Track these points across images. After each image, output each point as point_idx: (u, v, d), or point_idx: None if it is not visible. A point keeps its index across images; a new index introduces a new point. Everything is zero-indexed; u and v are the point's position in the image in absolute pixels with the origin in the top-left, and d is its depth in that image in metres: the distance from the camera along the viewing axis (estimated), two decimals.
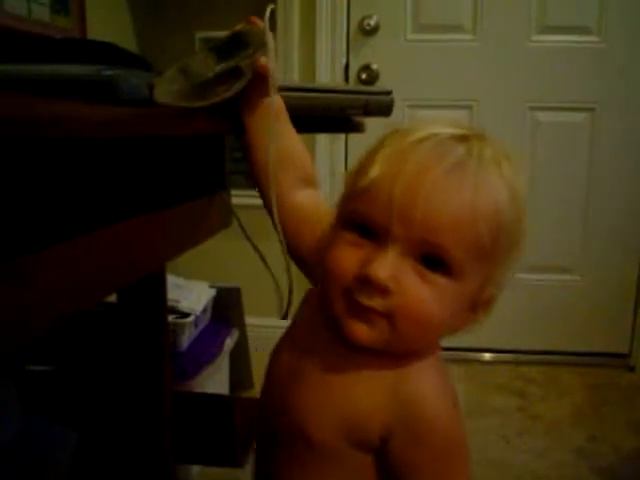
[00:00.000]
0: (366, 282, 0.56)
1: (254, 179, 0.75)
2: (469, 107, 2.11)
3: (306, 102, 0.77)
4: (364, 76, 2.09)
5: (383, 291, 0.56)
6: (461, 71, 2.11)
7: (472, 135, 0.60)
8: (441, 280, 0.56)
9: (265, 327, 2.20)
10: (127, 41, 2.10)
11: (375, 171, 0.57)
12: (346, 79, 2.09)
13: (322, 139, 2.13)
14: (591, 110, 2.12)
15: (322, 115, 0.79)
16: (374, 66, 2.10)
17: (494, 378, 2.12)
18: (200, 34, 2.21)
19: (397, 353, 0.60)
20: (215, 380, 1.58)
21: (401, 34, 2.11)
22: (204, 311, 1.59)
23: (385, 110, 0.79)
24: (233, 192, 2.33)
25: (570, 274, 2.23)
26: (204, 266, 2.03)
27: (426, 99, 2.10)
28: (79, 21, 1.69)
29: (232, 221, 0.84)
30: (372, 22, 2.07)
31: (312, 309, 0.67)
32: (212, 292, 1.65)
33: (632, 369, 2.25)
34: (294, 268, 0.74)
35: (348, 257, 0.58)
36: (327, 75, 2.07)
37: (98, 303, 1.16)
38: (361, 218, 0.58)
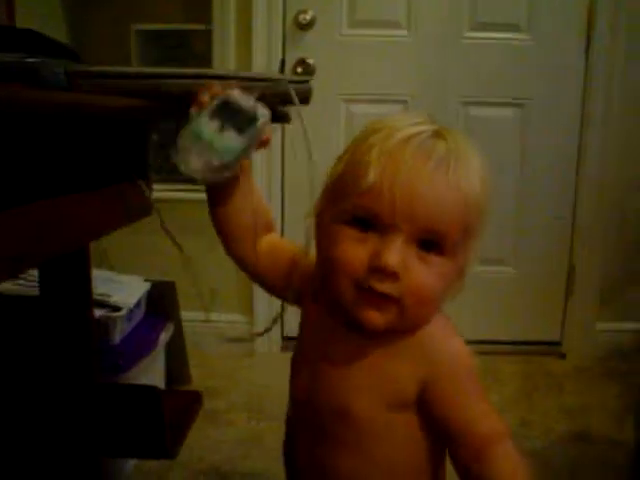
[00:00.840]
0: (379, 271, 0.64)
1: (231, 243, 0.82)
2: (404, 102, 2.15)
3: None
4: (300, 70, 2.09)
5: (394, 276, 0.64)
6: (396, 66, 2.14)
7: (443, 130, 0.71)
8: (437, 259, 0.67)
9: (201, 322, 2.20)
10: (58, 31, 2.06)
11: (374, 172, 0.65)
12: (281, 71, 2.10)
13: None
14: (521, 106, 2.18)
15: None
16: (310, 60, 2.11)
17: None
18: (136, 26, 2.19)
19: (405, 330, 0.70)
20: (150, 374, 1.57)
21: (337, 29, 2.12)
22: (138, 305, 1.57)
23: (304, 99, 0.80)
24: (164, 187, 2.32)
25: (504, 266, 2.29)
26: (140, 262, 2.02)
27: (362, 94, 2.13)
28: (6, 9, 1.65)
29: (152, 211, 0.83)
30: (308, 17, 2.08)
31: (317, 314, 0.75)
32: (146, 286, 1.63)
33: (563, 356, 2.33)
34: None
35: (356, 250, 0.66)
36: (263, 69, 2.07)
37: (21, 297, 1.14)
38: (365, 214, 0.66)
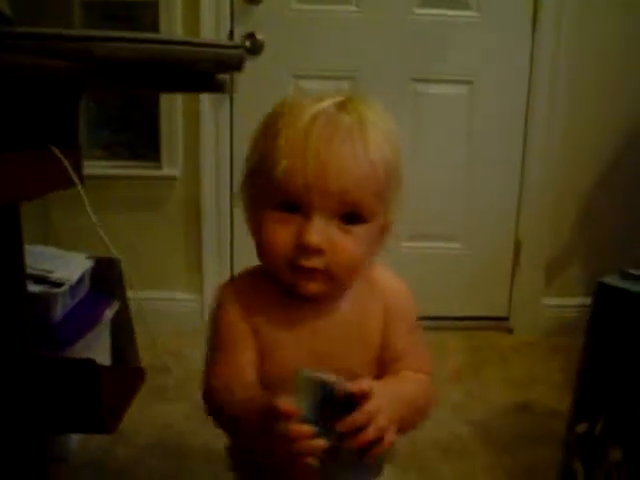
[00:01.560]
0: (303, 249, 0.69)
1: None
2: (353, 78, 2.14)
3: (155, 54, 0.76)
4: (248, 45, 2.07)
5: (319, 252, 0.69)
6: (345, 42, 2.13)
7: (348, 100, 0.73)
8: (358, 228, 0.72)
9: (148, 300, 2.18)
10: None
11: (284, 159, 0.68)
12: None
13: (206, 107, 2.11)
14: (470, 83, 2.20)
15: (173, 68, 0.78)
16: (259, 35, 2.08)
17: None
18: None
19: (341, 293, 0.77)
20: (94, 351, 1.54)
21: (285, 3, 2.10)
22: (80, 281, 1.55)
23: (236, 65, 0.79)
24: (114, 162, 2.28)
25: (453, 242, 2.32)
26: (87, 240, 1.98)
27: (311, 69, 2.11)
28: None
29: (79, 182, 0.82)
30: None
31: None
32: (89, 263, 1.61)
33: (511, 331, 2.38)
34: None
35: (282, 233, 0.70)
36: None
37: None
38: (285, 198, 0.70)
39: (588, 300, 1.23)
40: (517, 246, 2.32)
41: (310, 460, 0.62)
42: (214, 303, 0.80)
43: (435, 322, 2.31)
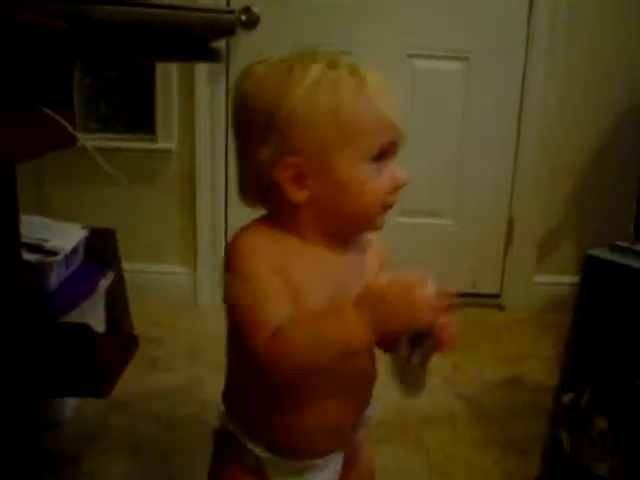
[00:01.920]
0: (398, 188, 0.77)
1: None
2: (349, 52, 2.11)
3: (151, 18, 0.76)
4: (244, 18, 2.06)
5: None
6: (341, 17, 2.13)
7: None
8: None
9: (144, 273, 2.19)
10: None
11: (377, 108, 0.73)
12: None
13: (201, 80, 2.11)
14: (466, 59, 2.20)
15: (169, 32, 0.78)
16: (255, 9, 2.08)
17: None
18: None
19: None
20: (89, 320, 1.54)
21: None
22: (75, 251, 1.56)
23: (229, 29, 0.79)
24: (110, 135, 2.28)
25: (444, 218, 2.33)
26: (80, 210, 1.99)
27: (307, 44, 2.10)
28: None
29: (75, 142, 0.82)
30: None
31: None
32: (84, 233, 1.62)
33: (502, 308, 2.40)
34: None
35: (382, 182, 0.76)
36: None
37: None
38: (382, 147, 0.75)
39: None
40: (510, 223, 2.33)
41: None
42: (235, 251, 0.77)
43: None
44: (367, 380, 0.88)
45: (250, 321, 0.73)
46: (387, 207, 0.78)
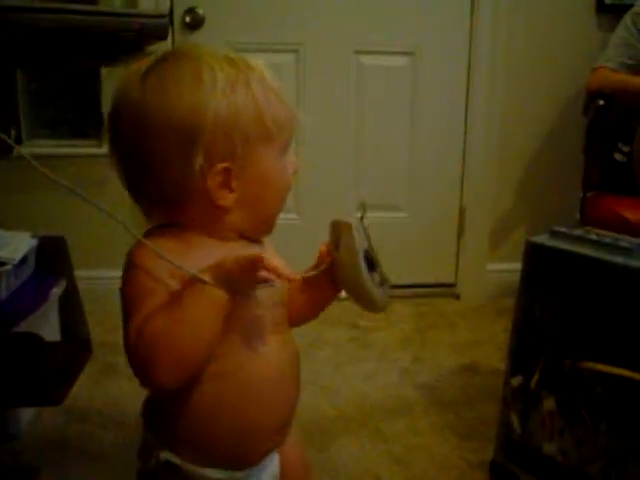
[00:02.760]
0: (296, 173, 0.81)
1: None
2: (295, 51, 2.15)
3: (79, 24, 0.76)
4: (188, 19, 2.06)
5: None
6: (286, 15, 2.14)
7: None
8: None
9: (96, 279, 2.17)
10: None
11: (289, 111, 0.76)
12: (171, 23, 2.06)
13: None
14: (411, 54, 2.23)
15: (98, 37, 0.79)
16: (199, 10, 2.08)
17: (329, 314, 2.20)
18: None
19: None
20: (42, 329, 1.53)
21: None
22: (25, 260, 1.54)
23: (161, 34, 0.80)
24: (57, 141, 2.25)
25: (398, 211, 2.36)
26: (30, 219, 1.96)
27: (253, 43, 2.10)
28: None
29: (12, 150, 0.82)
30: None
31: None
32: (33, 242, 1.60)
33: (458, 297, 2.44)
34: None
35: (288, 171, 0.80)
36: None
37: None
38: (289, 141, 0.78)
39: None
40: (462, 213, 2.37)
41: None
42: (131, 263, 0.75)
43: None
44: (293, 370, 0.85)
45: (125, 332, 0.72)
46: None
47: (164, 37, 0.80)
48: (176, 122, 0.70)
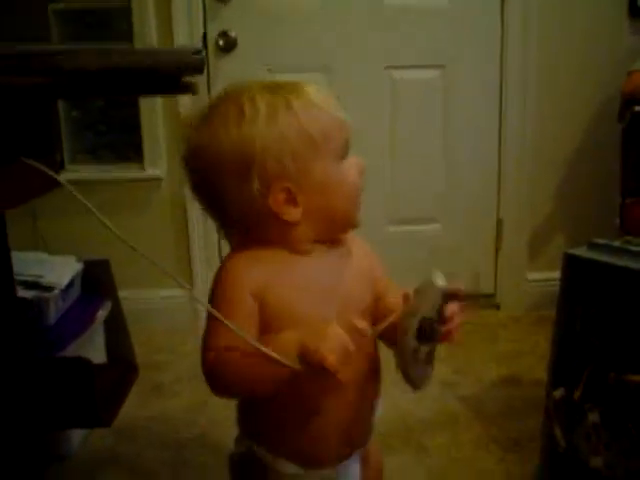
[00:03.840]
0: (363, 172, 0.87)
1: None
2: (328, 69, 2.17)
3: (111, 65, 0.80)
4: (222, 43, 2.10)
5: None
6: (317, 34, 2.17)
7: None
8: None
9: (141, 299, 2.22)
10: None
11: (337, 115, 0.82)
12: (204, 46, 2.10)
13: (186, 106, 2.15)
14: (442, 67, 2.24)
15: (137, 75, 0.82)
16: (232, 33, 2.12)
17: None
18: (54, 6, 2.15)
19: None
20: (89, 352, 1.58)
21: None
22: (71, 285, 1.59)
23: (197, 69, 0.83)
24: (98, 166, 2.31)
25: (434, 223, 2.36)
26: (75, 243, 2.02)
27: (285, 63, 2.14)
28: None
29: (59, 183, 0.86)
30: None
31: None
32: (79, 266, 1.65)
33: (498, 307, 2.42)
34: None
35: (352, 172, 0.85)
36: (185, 42, 2.08)
37: None
38: (343, 145, 0.84)
39: None
40: (499, 224, 2.36)
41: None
42: (218, 279, 0.84)
43: None
44: (370, 383, 0.91)
45: (206, 338, 0.81)
46: (360, 194, 0.86)
47: (201, 72, 0.82)
48: (229, 157, 0.80)
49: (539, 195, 2.34)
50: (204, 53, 0.84)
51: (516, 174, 2.30)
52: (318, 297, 0.84)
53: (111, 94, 0.92)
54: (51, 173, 0.75)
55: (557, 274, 2.28)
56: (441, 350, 2.07)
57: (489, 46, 2.22)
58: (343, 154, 0.84)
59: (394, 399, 1.78)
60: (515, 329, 2.25)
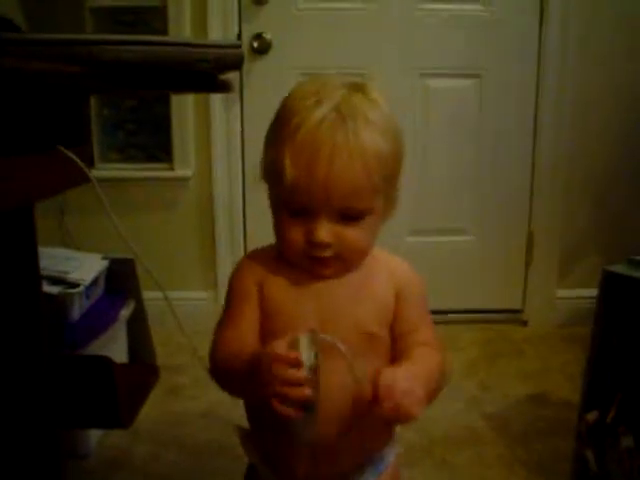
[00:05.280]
0: (315, 245, 0.78)
1: None
2: (361, 75, 2.13)
3: (158, 56, 0.78)
4: (256, 45, 2.09)
5: (327, 246, 0.78)
6: (353, 40, 2.15)
7: (343, 103, 0.77)
8: (360, 222, 0.80)
9: (164, 299, 2.20)
10: (12, 11, 2.03)
11: (289, 173, 0.76)
12: None
13: (216, 107, 2.14)
14: (477, 76, 2.20)
15: (172, 69, 0.80)
16: (267, 35, 2.11)
17: None
18: (90, 3, 2.16)
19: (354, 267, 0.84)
20: (111, 350, 1.57)
21: (292, 3, 2.12)
22: (95, 282, 1.58)
23: (236, 64, 0.81)
24: (128, 165, 2.31)
25: (464, 235, 2.32)
26: (100, 240, 2.01)
27: (319, 67, 2.12)
28: None
29: (88, 177, 0.84)
30: None
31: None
32: (104, 263, 1.63)
33: (525, 323, 2.38)
34: None
35: (296, 234, 0.79)
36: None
37: None
38: (293, 206, 0.79)
39: None
40: (530, 238, 2.32)
41: (290, 409, 0.68)
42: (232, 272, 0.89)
43: (449, 316, 2.32)
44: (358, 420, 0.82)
45: (215, 332, 0.86)
46: (314, 259, 0.80)
47: (239, 67, 0.80)
48: None
49: (572, 209, 2.30)
50: (242, 49, 0.81)
51: (549, 187, 2.26)
52: (302, 303, 0.82)
53: (146, 88, 0.90)
54: (82, 166, 0.73)
55: (588, 292, 2.26)
56: (466, 365, 2.05)
57: (526, 56, 2.19)
58: (299, 213, 0.79)
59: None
60: (542, 346, 2.20)
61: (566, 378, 1.92)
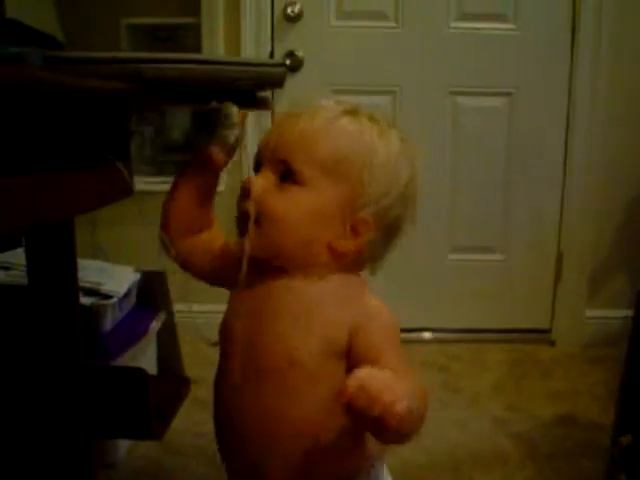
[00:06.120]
0: (243, 191, 0.79)
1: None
2: (392, 92, 2.17)
3: (200, 74, 0.79)
4: (288, 62, 2.12)
5: (248, 193, 0.77)
6: (383, 57, 2.17)
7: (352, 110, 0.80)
8: (292, 188, 0.77)
9: (193, 312, 2.22)
10: (50, 28, 2.08)
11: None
12: None
13: (248, 123, 2.15)
14: (508, 95, 2.21)
15: (212, 87, 0.81)
16: (299, 52, 2.13)
17: (419, 356, 2.17)
18: (126, 21, 2.20)
19: (277, 260, 0.77)
20: (141, 362, 1.58)
21: (325, 20, 2.15)
22: (128, 294, 1.60)
23: (277, 82, 0.82)
24: (162, 178, 2.33)
25: (493, 254, 2.32)
26: (132, 253, 2.03)
27: (350, 84, 2.14)
28: None
29: (132, 191, 0.86)
30: (296, 9, 2.11)
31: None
32: (136, 276, 1.65)
33: (553, 343, 2.35)
34: None
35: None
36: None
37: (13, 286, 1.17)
38: (255, 161, 0.83)
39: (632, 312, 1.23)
40: (559, 257, 2.30)
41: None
42: None
43: (474, 334, 2.31)
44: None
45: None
46: (239, 216, 0.80)
47: (281, 85, 0.82)
48: None
49: (603, 230, 2.28)
50: (284, 67, 0.83)
51: (580, 207, 2.24)
52: (240, 307, 0.82)
53: (186, 105, 0.92)
54: (128, 179, 0.74)
55: (618, 312, 2.24)
56: (493, 385, 2.03)
57: (557, 76, 2.18)
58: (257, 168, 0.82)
59: (443, 430, 1.74)
60: (570, 367, 2.18)
61: (594, 399, 1.90)
